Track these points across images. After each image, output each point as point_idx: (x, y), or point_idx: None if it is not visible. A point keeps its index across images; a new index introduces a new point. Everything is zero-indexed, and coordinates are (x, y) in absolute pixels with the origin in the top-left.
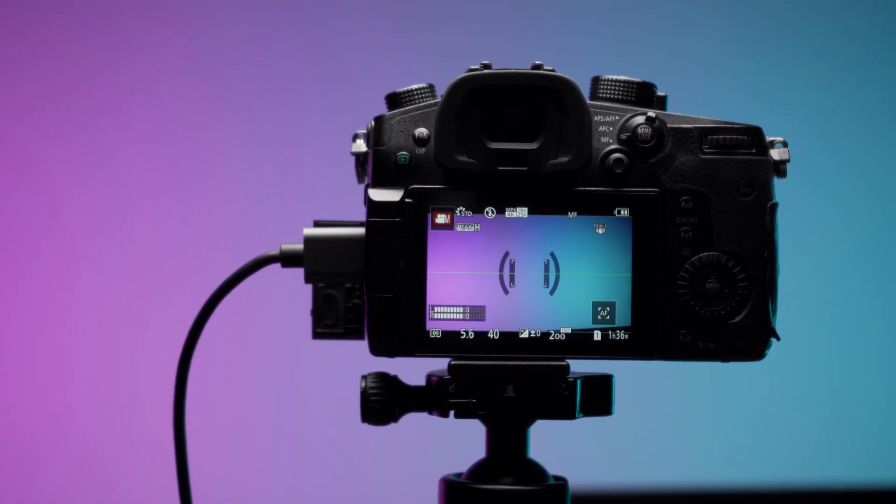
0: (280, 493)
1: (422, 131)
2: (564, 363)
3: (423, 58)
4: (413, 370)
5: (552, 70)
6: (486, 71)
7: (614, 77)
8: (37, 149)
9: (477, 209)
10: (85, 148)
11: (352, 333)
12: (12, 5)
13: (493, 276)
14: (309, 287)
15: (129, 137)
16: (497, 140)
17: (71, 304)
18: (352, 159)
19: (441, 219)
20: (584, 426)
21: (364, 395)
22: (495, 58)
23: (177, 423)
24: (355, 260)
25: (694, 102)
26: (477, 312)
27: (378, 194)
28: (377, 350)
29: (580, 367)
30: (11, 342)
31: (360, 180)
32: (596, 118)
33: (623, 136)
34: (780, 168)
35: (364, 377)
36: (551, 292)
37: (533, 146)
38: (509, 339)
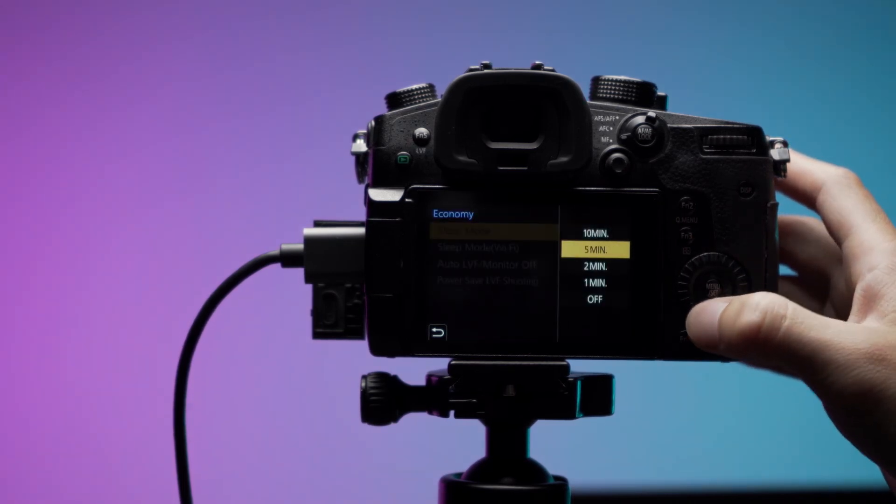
0: (280, 492)
1: (422, 131)
2: (564, 363)
3: (423, 58)
4: (413, 370)
5: (552, 70)
6: (485, 71)
7: (614, 77)
8: (40, 150)
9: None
10: (87, 149)
11: (352, 333)
12: (15, 6)
13: None
14: (309, 287)
15: (130, 138)
16: (497, 140)
17: (71, 304)
18: (352, 159)
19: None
20: (584, 426)
21: (364, 395)
22: (495, 58)
23: (177, 423)
24: (355, 260)
25: (694, 102)
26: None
27: (378, 194)
28: (377, 350)
29: (580, 367)
30: (12, 342)
31: (361, 180)
32: (596, 118)
33: (623, 136)
34: (779, 168)
35: (364, 377)
36: (552, 292)
37: (533, 146)
38: (509, 339)
